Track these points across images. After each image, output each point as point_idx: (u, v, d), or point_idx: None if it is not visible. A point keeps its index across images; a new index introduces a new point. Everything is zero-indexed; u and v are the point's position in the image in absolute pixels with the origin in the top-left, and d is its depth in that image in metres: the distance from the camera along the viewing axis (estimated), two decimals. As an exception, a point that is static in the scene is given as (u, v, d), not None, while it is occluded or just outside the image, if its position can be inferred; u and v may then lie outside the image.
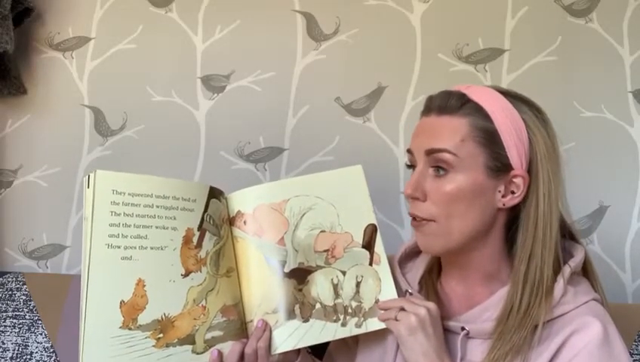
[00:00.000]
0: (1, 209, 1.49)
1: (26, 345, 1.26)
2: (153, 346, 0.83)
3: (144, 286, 0.84)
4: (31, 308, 1.29)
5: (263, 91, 1.47)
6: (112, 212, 0.84)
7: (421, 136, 0.89)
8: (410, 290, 0.94)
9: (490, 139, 0.85)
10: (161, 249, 0.86)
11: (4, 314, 1.29)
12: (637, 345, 1.16)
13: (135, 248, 0.84)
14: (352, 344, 0.99)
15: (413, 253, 1.01)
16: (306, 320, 0.91)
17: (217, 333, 0.88)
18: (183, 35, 1.49)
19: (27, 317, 1.28)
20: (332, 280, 0.92)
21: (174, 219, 0.88)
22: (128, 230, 0.84)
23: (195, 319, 0.87)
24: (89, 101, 1.50)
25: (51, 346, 1.25)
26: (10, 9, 1.37)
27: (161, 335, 0.84)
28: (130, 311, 0.82)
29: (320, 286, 0.92)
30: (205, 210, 0.91)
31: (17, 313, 1.29)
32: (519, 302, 0.84)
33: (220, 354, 0.87)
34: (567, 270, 0.86)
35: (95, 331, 0.80)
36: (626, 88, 1.38)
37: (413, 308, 0.84)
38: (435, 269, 0.97)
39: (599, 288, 0.91)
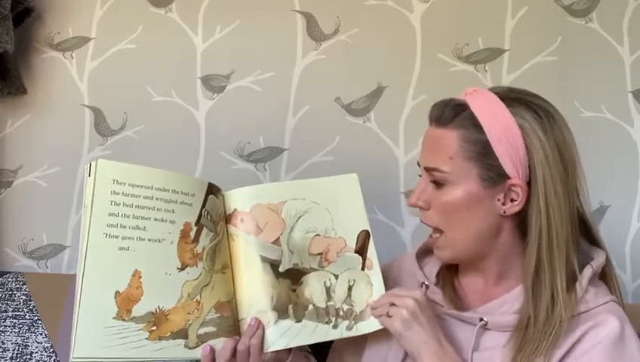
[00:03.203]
0: (1, 209, 1.49)
1: (26, 345, 1.26)
2: (146, 338, 0.83)
3: (140, 277, 0.84)
4: (31, 308, 1.29)
5: (263, 91, 1.47)
6: (111, 201, 0.84)
7: (423, 150, 0.93)
8: (426, 282, 0.96)
9: (481, 151, 0.85)
10: (159, 241, 0.86)
11: (4, 314, 1.29)
12: (637, 345, 1.16)
13: (133, 239, 0.84)
14: (360, 338, 1.00)
15: (431, 248, 1.02)
16: (298, 321, 0.91)
17: (210, 329, 0.88)
18: (183, 35, 1.49)
19: (27, 317, 1.28)
20: (325, 282, 0.94)
21: (173, 212, 0.88)
22: (127, 220, 0.85)
23: (188, 313, 0.87)
24: (89, 101, 1.50)
25: (51, 346, 1.25)
26: (10, 9, 1.37)
27: (154, 327, 0.84)
28: (125, 302, 0.82)
29: (313, 288, 0.93)
30: (203, 206, 0.91)
31: (17, 313, 1.29)
32: (535, 317, 0.84)
33: (212, 350, 0.87)
34: (589, 270, 0.87)
35: (89, 320, 0.80)
36: (626, 88, 1.38)
37: (401, 301, 0.86)
38: (453, 264, 0.99)
39: (617, 291, 0.92)
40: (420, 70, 1.43)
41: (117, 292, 0.82)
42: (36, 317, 1.28)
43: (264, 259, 0.93)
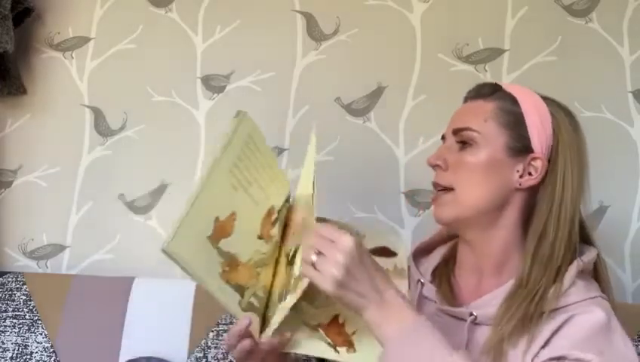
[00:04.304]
0: (1, 209, 1.49)
1: (26, 345, 1.26)
2: (219, 273, 0.85)
3: (234, 220, 0.88)
4: (31, 308, 1.29)
5: (263, 91, 1.47)
6: (242, 149, 0.90)
7: (454, 118, 0.96)
8: (422, 280, 0.96)
9: (514, 121, 0.90)
10: (256, 203, 0.91)
11: (4, 314, 1.29)
12: (637, 345, 1.16)
13: (243, 187, 0.90)
14: None
15: (429, 249, 1.04)
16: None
17: (255, 303, 0.89)
18: (183, 35, 1.49)
19: (27, 317, 1.28)
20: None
21: (268, 189, 0.94)
22: (246, 170, 0.91)
23: (250, 278, 0.89)
24: (89, 101, 1.50)
25: (51, 346, 1.25)
26: (10, 9, 1.37)
27: (227, 268, 0.86)
28: (219, 231, 0.85)
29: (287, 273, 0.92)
30: (283, 204, 0.97)
31: (17, 313, 1.29)
32: (527, 276, 0.86)
33: (250, 322, 0.85)
34: (579, 264, 0.88)
35: (194, 222, 0.82)
36: (626, 88, 1.38)
37: (330, 253, 0.76)
38: (451, 261, 0.99)
39: (609, 291, 0.92)
40: (420, 70, 1.43)
41: (217, 218, 0.85)
42: (36, 317, 1.28)
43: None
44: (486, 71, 1.41)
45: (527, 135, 0.89)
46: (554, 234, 0.87)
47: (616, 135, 1.38)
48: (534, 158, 0.89)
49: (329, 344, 0.90)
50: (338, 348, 0.90)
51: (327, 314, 0.93)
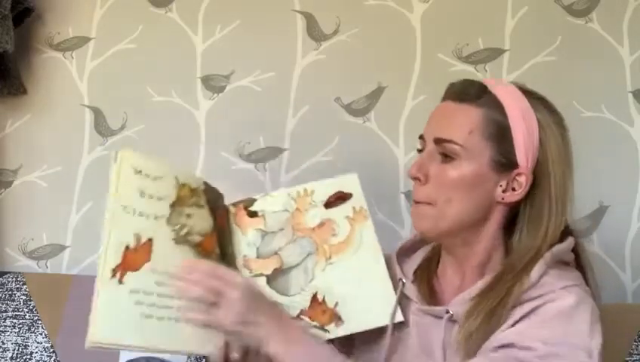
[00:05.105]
0: (1, 209, 1.49)
1: (26, 345, 1.26)
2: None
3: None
4: (31, 308, 1.29)
5: (263, 91, 1.47)
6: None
7: (434, 122, 0.91)
8: (404, 280, 0.95)
9: (500, 134, 0.86)
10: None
11: (4, 314, 1.29)
12: (637, 345, 1.16)
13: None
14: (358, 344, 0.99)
15: (414, 248, 1.02)
16: None
17: None
18: (183, 35, 1.49)
19: (27, 317, 1.28)
20: None
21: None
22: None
23: None
24: (89, 101, 1.50)
25: (51, 346, 1.25)
26: (10, 9, 1.37)
27: None
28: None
29: None
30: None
31: (17, 313, 1.29)
32: (507, 276, 0.85)
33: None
34: (546, 256, 0.85)
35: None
36: (626, 88, 1.38)
37: (226, 293, 0.76)
38: (434, 261, 0.98)
39: (592, 282, 0.89)
40: (419, 70, 1.43)
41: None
42: (36, 317, 1.28)
43: None
44: (486, 71, 1.41)
45: (512, 149, 0.86)
46: (546, 247, 0.85)
47: (616, 135, 1.37)
48: (519, 174, 0.86)
49: (317, 327, 0.90)
50: (327, 327, 0.90)
51: (304, 297, 0.92)
